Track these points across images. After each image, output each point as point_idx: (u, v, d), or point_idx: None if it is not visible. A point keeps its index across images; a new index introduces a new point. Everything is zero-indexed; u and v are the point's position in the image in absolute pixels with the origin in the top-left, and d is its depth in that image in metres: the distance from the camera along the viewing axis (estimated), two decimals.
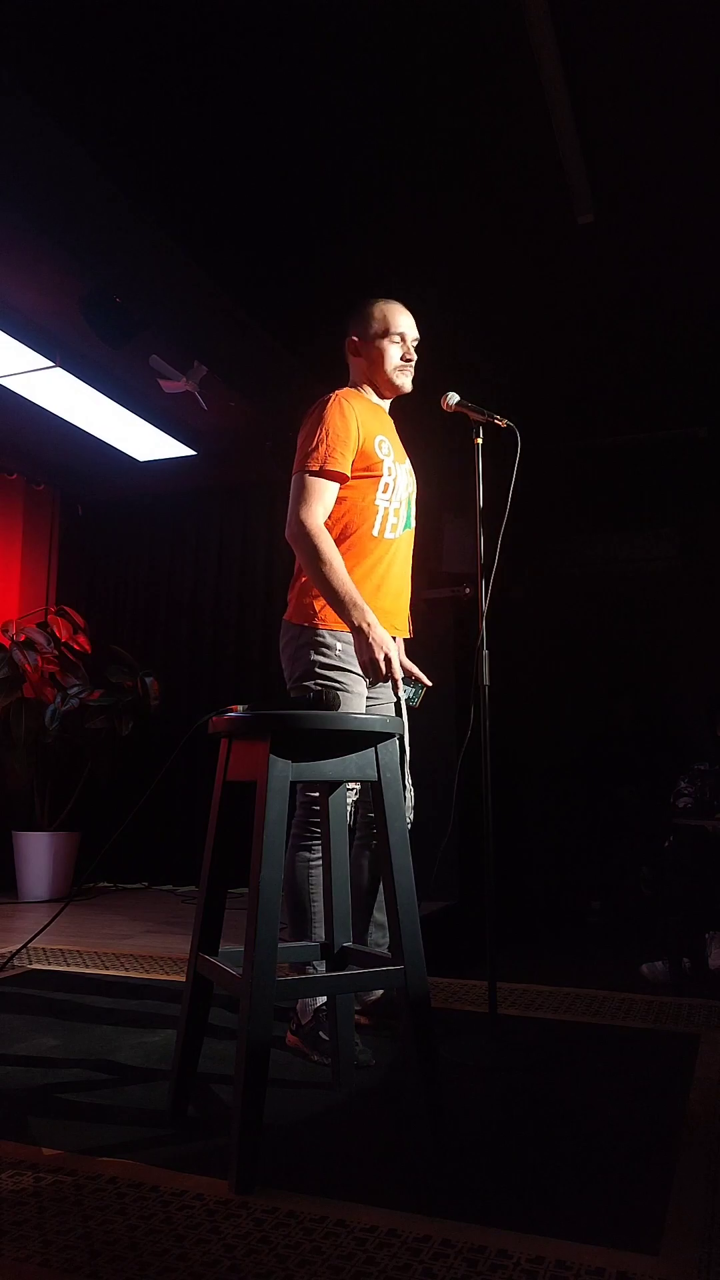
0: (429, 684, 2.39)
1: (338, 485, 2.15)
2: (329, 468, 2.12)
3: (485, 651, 2.29)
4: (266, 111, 2.74)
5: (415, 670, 2.43)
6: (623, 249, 3.40)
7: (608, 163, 2.91)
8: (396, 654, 2.03)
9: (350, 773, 1.70)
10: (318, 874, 2.14)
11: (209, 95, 2.69)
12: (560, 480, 5.37)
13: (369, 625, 1.99)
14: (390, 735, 1.73)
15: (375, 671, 1.99)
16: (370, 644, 1.99)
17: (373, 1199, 1.40)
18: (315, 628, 2.15)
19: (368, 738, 1.71)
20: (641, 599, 5.90)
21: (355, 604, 2.02)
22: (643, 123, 2.77)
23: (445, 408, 2.37)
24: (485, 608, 2.28)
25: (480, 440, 2.37)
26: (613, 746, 5.48)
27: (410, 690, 2.40)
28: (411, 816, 2.38)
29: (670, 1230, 1.31)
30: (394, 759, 1.74)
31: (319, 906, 2.10)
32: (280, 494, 5.93)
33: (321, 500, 2.11)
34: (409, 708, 2.41)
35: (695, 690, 5.38)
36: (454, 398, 2.35)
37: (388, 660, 1.97)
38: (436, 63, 2.55)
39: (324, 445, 2.12)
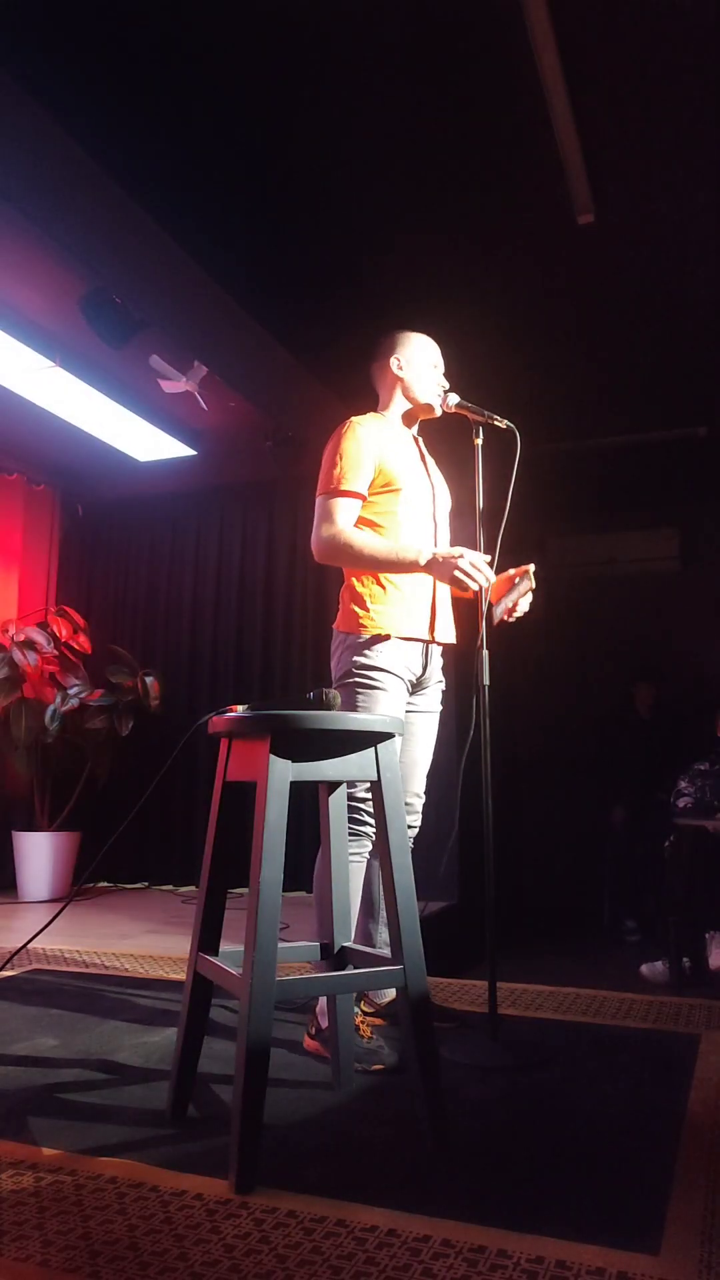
0: (531, 582, 2.33)
1: (357, 503, 2.26)
2: (343, 488, 2.23)
3: (485, 651, 2.29)
4: (266, 111, 2.74)
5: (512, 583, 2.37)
6: (623, 249, 3.39)
7: (608, 163, 2.91)
8: (470, 556, 2.12)
9: (350, 773, 1.70)
10: (357, 869, 2.21)
11: (208, 95, 2.69)
12: (560, 480, 5.36)
13: (428, 559, 2.14)
14: (390, 735, 1.73)
15: (468, 581, 2.10)
16: (442, 565, 2.12)
17: (373, 1199, 1.40)
18: (358, 634, 2.24)
19: (368, 738, 1.71)
20: (641, 599, 5.90)
21: (403, 553, 2.16)
22: (643, 123, 2.77)
23: (445, 408, 2.38)
24: (485, 608, 2.29)
25: (480, 441, 2.38)
26: (614, 745, 5.47)
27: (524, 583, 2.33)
28: (418, 823, 2.39)
29: (670, 1230, 1.31)
30: (394, 759, 1.74)
31: (350, 904, 2.14)
32: (280, 493, 5.94)
33: (340, 515, 2.23)
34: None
35: (695, 690, 5.39)
36: (453, 398, 2.37)
37: (471, 566, 2.09)
38: (437, 62, 2.55)
39: (338, 469, 2.25)
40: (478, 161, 2.95)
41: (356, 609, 2.26)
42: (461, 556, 2.11)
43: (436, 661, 2.39)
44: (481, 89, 2.64)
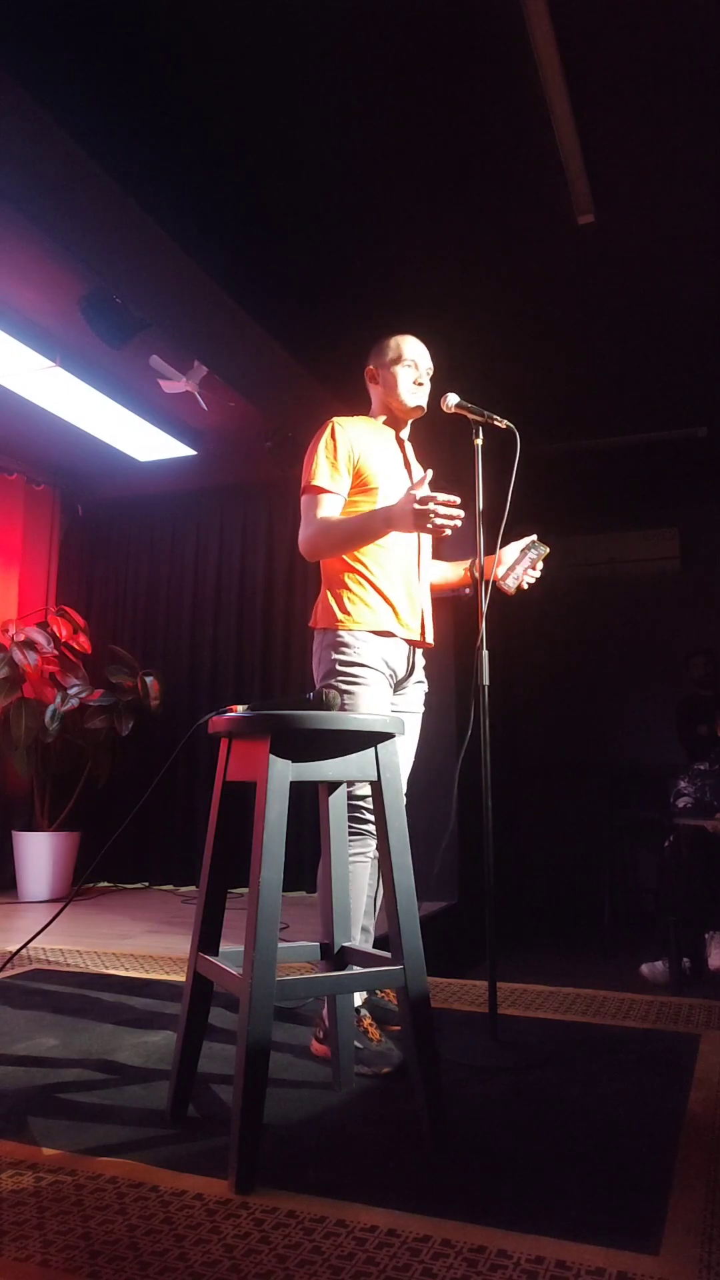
0: (542, 549, 2.39)
1: (337, 498, 2.27)
2: (316, 483, 2.26)
3: (485, 651, 2.29)
4: (267, 112, 2.74)
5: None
6: (623, 249, 3.40)
7: (608, 163, 2.91)
8: (422, 494, 2.01)
9: (351, 773, 1.70)
10: (361, 870, 2.20)
11: (209, 95, 2.69)
12: (560, 480, 5.36)
13: (388, 517, 2.09)
14: (390, 735, 1.73)
15: (426, 519, 1.99)
16: (413, 515, 2.01)
17: (373, 1199, 1.40)
18: (336, 630, 2.22)
19: (368, 737, 1.71)
20: (641, 599, 5.90)
21: (370, 519, 2.15)
22: (643, 123, 2.77)
23: (444, 409, 2.38)
24: (485, 608, 2.29)
25: (480, 441, 2.37)
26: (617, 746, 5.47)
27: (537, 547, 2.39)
28: None
29: (670, 1230, 1.31)
30: (394, 759, 1.74)
31: (357, 903, 2.15)
32: (280, 493, 5.94)
33: (315, 511, 2.24)
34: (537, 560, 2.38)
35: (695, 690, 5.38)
36: (453, 399, 2.36)
37: (422, 502, 1.98)
38: (437, 63, 2.55)
39: (316, 467, 2.27)
40: (478, 162, 2.95)
41: (334, 606, 2.25)
42: (428, 500, 1.98)
43: (420, 662, 2.38)
44: (481, 89, 2.64)
